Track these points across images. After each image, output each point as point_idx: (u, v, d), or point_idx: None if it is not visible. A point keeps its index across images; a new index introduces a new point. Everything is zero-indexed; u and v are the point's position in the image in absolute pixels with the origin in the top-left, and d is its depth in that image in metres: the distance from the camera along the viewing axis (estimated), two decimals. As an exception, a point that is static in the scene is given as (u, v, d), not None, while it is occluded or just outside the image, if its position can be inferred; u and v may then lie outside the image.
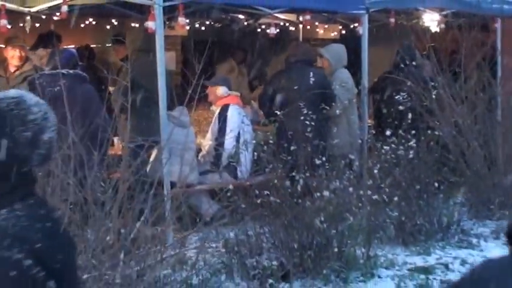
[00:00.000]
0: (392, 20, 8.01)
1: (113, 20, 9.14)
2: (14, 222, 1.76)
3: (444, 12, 8.47)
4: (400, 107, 7.08)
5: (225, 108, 7.04)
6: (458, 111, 7.21)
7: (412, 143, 6.41)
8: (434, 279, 5.52)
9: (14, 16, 6.46)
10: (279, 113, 6.55)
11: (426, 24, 8.85)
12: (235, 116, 6.98)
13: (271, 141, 6.09)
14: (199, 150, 7.13)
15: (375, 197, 5.89)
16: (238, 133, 6.92)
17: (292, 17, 9.25)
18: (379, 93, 7.87)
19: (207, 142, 7.18)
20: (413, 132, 6.51)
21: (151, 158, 6.01)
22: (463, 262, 5.88)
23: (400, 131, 6.47)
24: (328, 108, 7.08)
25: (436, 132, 6.84)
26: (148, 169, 5.86)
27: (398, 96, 7.21)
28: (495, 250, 5.93)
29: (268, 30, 8.54)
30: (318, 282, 5.31)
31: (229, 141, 6.88)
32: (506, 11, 8.58)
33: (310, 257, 5.32)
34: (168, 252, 4.77)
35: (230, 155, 6.80)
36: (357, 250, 5.64)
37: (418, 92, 7.09)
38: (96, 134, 4.77)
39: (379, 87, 7.97)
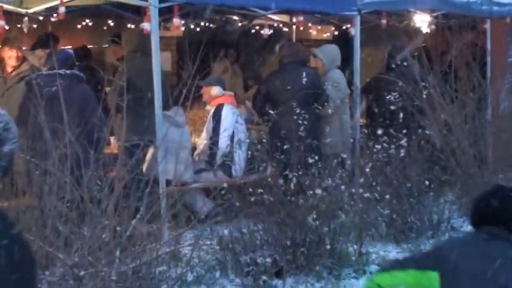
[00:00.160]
0: (384, 21, 8.04)
1: (110, 21, 9.14)
2: None
3: (435, 14, 8.51)
4: (392, 107, 7.14)
5: (219, 108, 7.08)
6: (448, 110, 7.23)
7: (403, 142, 6.46)
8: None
9: (11, 17, 6.50)
10: (272, 112, 6.60)
11: (417, 25, 8.90)
12: (229, 115, 7.02)
13: (264, 141, 6.12)
14: (194, 149, 7.16)
15: (367, 195, 5.92)
16: (233, 132, 6.95)
17: (285, 18, 9.30)
18: (371, 93, 7.95)
19: (201, 141, 7.21)
20: (404, 131, 6.58)
21: (148, 157, 6.08)
22: (453, 259, 5.95)
23: (392, 130, 6.54)
24: (320, 108, 7.14)
25: (427, 132, 6.91)
26: (144, 167, 5.95)
27: (389, 96, 7.27)
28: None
29: (262, 31, 8.62)
30: (311, 279, 5.36)
31: (223, 141, 6.93)
32: (495, 12, 8.66)
33: (303, 254, 5.35)
34: (163, 249, 4.77)
35: (224, 153, 6.83)
36: (349, 247, 5.69)
37: (409, 92, 7.15)
38: (92, 134, 4.82)
39: (371, 88, 8.05)
